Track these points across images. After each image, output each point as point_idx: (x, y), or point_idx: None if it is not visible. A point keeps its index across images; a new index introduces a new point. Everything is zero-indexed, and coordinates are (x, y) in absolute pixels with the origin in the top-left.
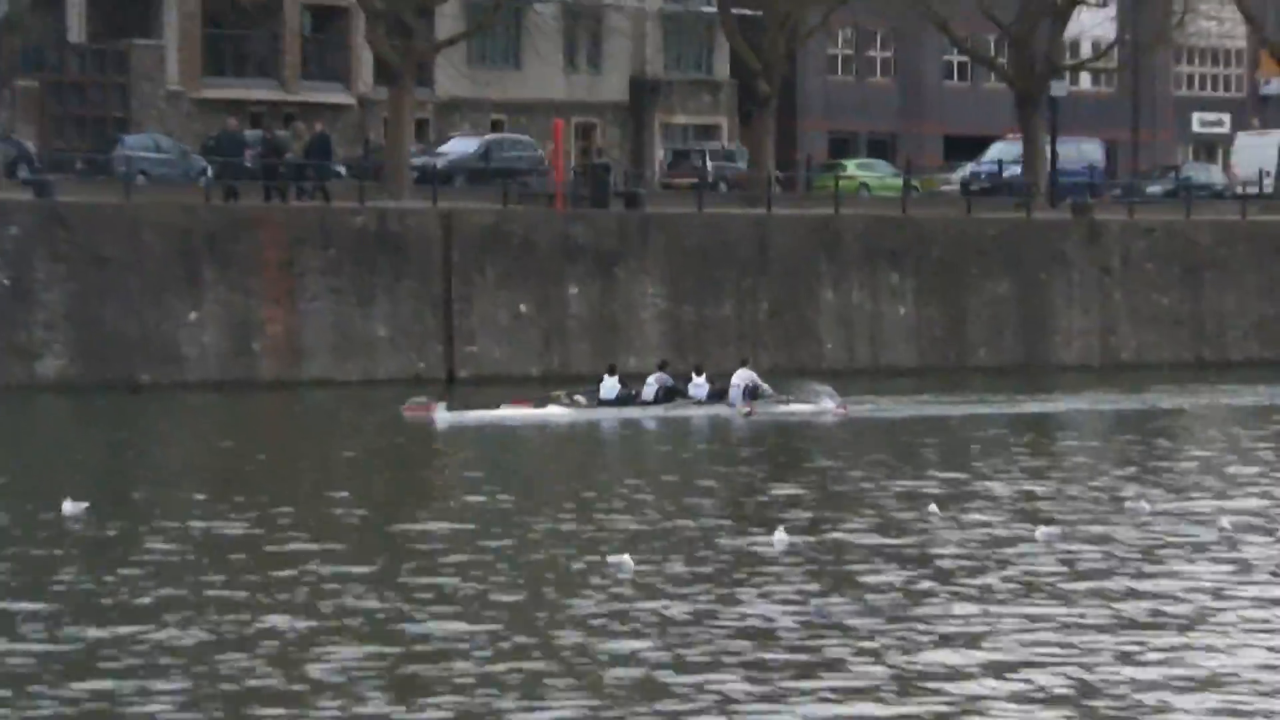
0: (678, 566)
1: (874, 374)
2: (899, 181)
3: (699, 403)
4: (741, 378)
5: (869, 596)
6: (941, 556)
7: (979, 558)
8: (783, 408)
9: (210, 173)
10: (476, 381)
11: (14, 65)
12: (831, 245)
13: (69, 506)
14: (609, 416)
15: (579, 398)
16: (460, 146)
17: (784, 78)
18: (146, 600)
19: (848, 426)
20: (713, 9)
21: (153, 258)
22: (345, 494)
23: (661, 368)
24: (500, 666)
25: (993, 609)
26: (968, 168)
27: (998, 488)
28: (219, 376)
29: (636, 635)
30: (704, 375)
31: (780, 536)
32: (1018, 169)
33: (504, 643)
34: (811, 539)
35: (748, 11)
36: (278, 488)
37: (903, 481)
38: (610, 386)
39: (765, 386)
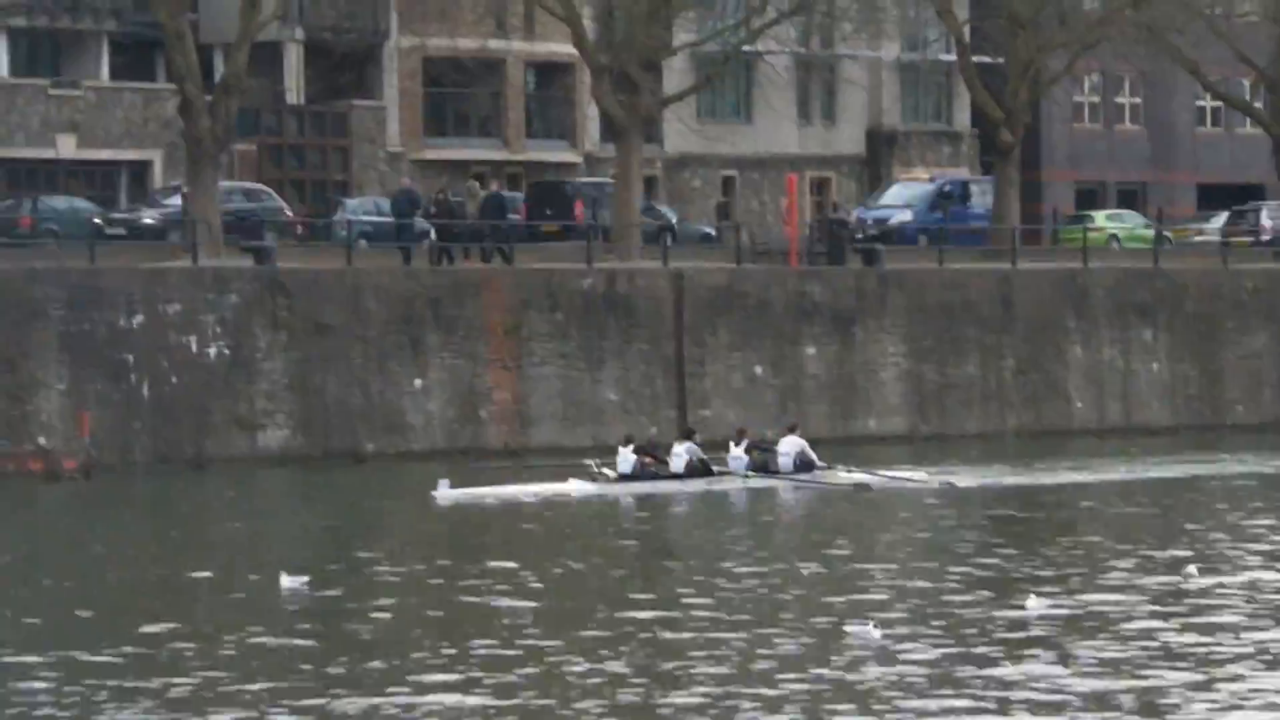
0: (928, 635)
1: (1126, 433)
2: (1150, 233)
3: (744, 476)
4: (790, 446)
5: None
6: (1203, 620)
7: (1241, 618)
8: (868, 478)
9: (433, 235)
10: (711, 446)
11: (231, 128)
12: (1080, 300)
13: (287, 581)
14: (637, 492)
15: (606, 470)
16: None
17: (1027, 126)
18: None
19: (1097, 489)
20: (952, 57)
21: (375, 324)
22: (571, 562)
23: (688, 436)
24: None
25: (1259, 673)
26: (855, 212)
27: (1259, 548)
28: (445, 445)
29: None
30: (743, 444)
31: (1034, 602)
32: (908, 214)
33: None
34: (1067, 605)
35: (988, 59)
36: (502, 556)
37: (1158, 544)
38: (626, 459)
39: (814, 456)
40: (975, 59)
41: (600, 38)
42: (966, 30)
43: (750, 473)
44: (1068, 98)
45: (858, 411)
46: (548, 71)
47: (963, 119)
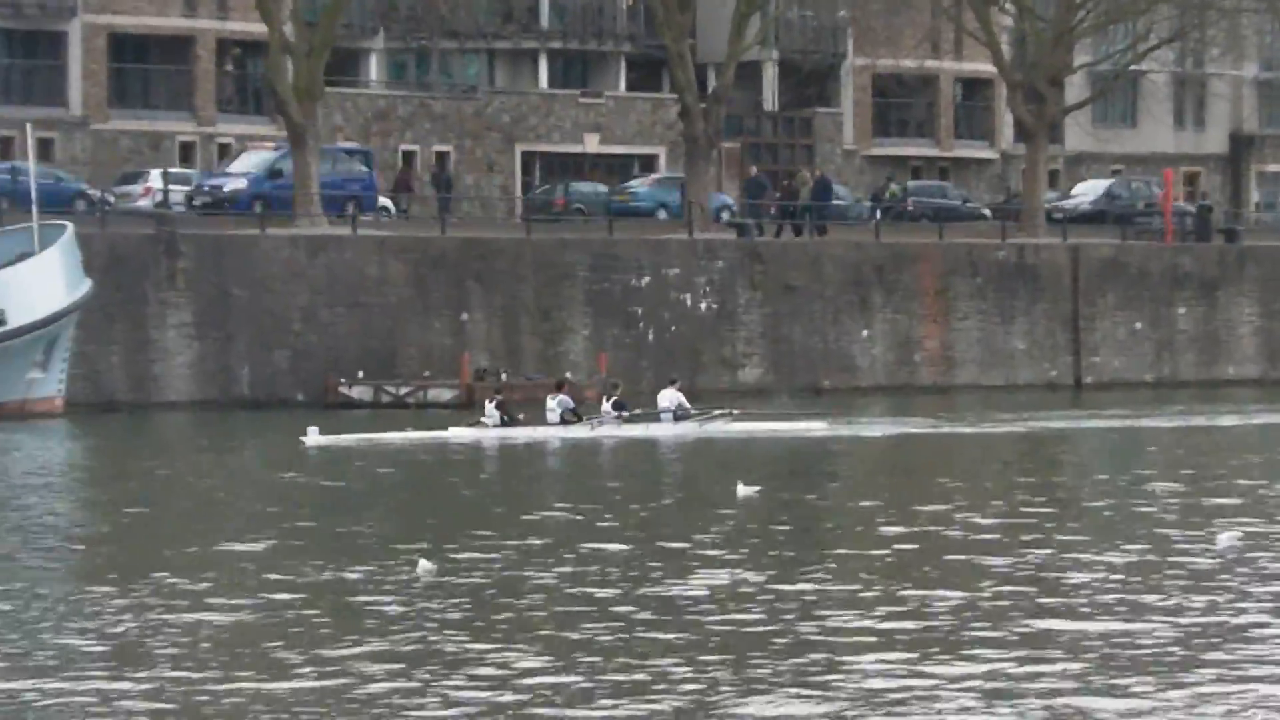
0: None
1: None
2: None
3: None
4: (668, 398)
5: None
6: None
7: None
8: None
9: (878, 215)
10: (1099, 387)
11: (720, 130)
12: None
13: (742, 490)
14: (523, 436)
15: (484, 420)
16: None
17: None
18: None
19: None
20: None
21: (832, 285)
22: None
23: (559, 388)
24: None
25: None
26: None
27: None
28: (885, 382)
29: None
30: (613, 399)
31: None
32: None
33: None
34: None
35: None
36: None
37: None
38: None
39: (689, 407)
40: None
41: (1015, 59)
42: None
43: (624, 414)
44: None
45: (1219, 360)
46: (972, 85)
47: None
